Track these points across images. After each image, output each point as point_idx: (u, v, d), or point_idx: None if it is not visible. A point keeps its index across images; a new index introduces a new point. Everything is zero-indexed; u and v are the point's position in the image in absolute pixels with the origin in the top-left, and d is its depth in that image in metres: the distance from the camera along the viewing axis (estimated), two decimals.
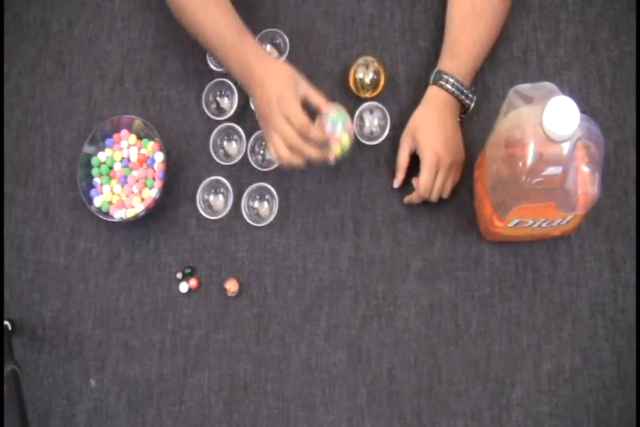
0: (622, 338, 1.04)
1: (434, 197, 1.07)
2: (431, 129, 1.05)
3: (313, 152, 1.00)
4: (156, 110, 1.21)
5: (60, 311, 1.16)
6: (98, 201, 1.15)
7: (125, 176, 1.16)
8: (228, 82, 1.17)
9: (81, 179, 1.15)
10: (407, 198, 1.09)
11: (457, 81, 1.05)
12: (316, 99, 1.02)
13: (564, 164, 0.83)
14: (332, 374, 1.08)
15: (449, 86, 1.05)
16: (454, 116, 1.08)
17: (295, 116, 0.98)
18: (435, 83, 1.06)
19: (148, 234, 1.16)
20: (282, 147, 1.00)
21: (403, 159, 1.08)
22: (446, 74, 1.05)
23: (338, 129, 1.01)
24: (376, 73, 1.14)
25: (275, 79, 1.01)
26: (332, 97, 1.16)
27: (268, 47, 1.19)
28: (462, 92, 1.06)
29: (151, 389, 1.11)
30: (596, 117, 0.89)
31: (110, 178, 1.17)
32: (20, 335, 1.15)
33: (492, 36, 1.09)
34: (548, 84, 0.88)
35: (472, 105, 1.09)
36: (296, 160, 1.01)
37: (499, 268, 1.08)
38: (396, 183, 1.10)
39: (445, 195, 1.08)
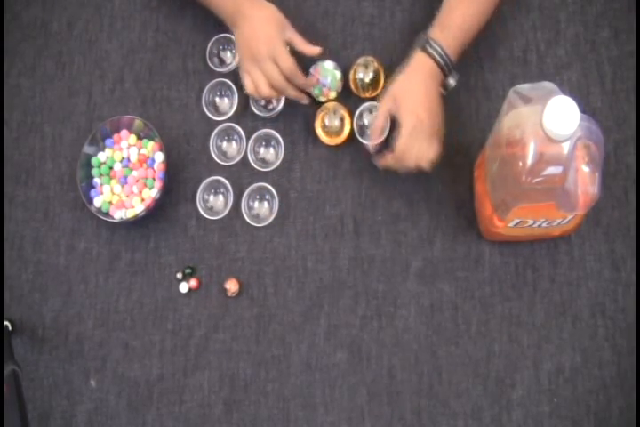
0: (622, 338, 1.04)
1: (411, 163, 1.03)
2: (415, 94, 1.03)
3: (292, 93, 1.10)
4: (156, 110, 1.21)
5: (60, 311, 1.16)
6: (98, 201, 1.15)
7: (125, 176, 1.16)
8: (228, 82, 1.17)
9: (81, 179, 1.15)
10: (382, 161, 1.07)
11: (444, 52, 1.03)
12: (302, 45, 1.08)
13: (564, 163, 0.83)
14: (333, 374, 1.08)
15: (436, 55, 1.03)
16: (437, 87, 1.05)
17: (284, 59, 1.05)
18: (423, 49, 1.04)
19: (148, 234, 1.16)
20: (264, 85, 1.07)
21: (381, 121, 1.05)
22: (435, 42, 1.03)
23: (328, 80, 1.12)
24: (376, 73, 1.14)
25: (265, 20, 1.07)
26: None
27: None
28: (447, 65, 1.04)
29: (151, 389, 1.11)
30: (596, 117, 0.89)
31: (110, 178, 1.17)
32: (20, 336, 1.15)
33: (483, 18, 1.07)
34: (548, 84, 0.88)
35: (453, 84, 1.07)
36: (272, 96, 1.10)
37: (499, 268, 1.08)
38: (372, 148, 1.08)
39: (424, 164, 1.03)
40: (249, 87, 1.08)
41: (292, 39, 1.08)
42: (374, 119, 1.07)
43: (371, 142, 1.08)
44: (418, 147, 1.02)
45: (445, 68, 1.04)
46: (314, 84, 1.13)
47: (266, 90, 1.07)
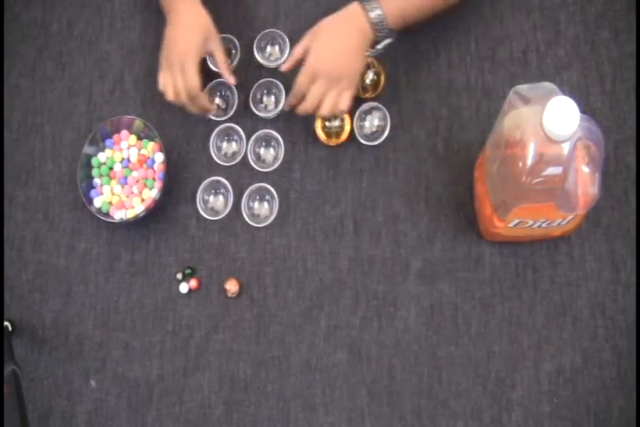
0: (622, 338, 1.03)
1: (308, 106, 1.05)
2: (332, 40, 1.03)
3: (192, 109, 1.10)
4: (156, 111, 1.21)
5: (61, 312, 1.16)
6: (98, 202, 1.15)
7: (125, 177, 1.16)
8: None
9: (81, 179, 1.15)
10: (288, 100, 1.09)
11: (385, 16, 1.02)
12: (221, 64, 1.10)
13: (564, 164, 0.83)
14: (333, 374, 1.08)
15: (372, 15, 1.02)
16: (362, 43, 1.04)
17: (189, 76, 1.06)
18: (361, 3, 1.03)
19: (148, 234, 1.16)
20: (170, 90, 1.08)
21: (297, 53, 1.06)
22: (377, 3, 1.02)
23: None
24: (376, 73, 1.14)
25: (192, 26, 1.07)
26: None
27: (268, 47, 1.19)
28: (384, 29, 1.03)
29: (151, 389, 1.11)
30: (596, 117, 0.89)
31: (110, 178, 1.17)
32: (21, 336, 1.15)
33: (435, 6, 1.06)
34: (547, 85, 0.88)
35: (381, 49, 1.06)
36: (177, 103, 1.09)
37: (499, 268, 1.08)
38: (284, 66, 1.08)
39: (323, 111, 1.05)
40: (160, 86, 1.09)
41: (213, 53, 1.09)
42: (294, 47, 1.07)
43: (282, 67, 1.08)
44: (317, 89, 1.03)
45: (380, 31, 1.03)
46: (213, 110, 1.14)
47: (171, 96, 1.08)
